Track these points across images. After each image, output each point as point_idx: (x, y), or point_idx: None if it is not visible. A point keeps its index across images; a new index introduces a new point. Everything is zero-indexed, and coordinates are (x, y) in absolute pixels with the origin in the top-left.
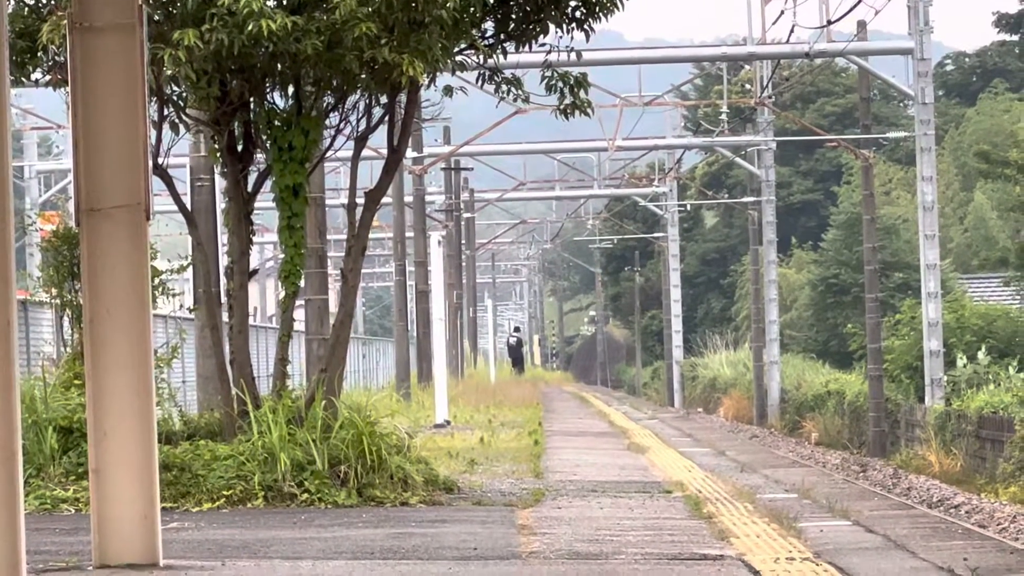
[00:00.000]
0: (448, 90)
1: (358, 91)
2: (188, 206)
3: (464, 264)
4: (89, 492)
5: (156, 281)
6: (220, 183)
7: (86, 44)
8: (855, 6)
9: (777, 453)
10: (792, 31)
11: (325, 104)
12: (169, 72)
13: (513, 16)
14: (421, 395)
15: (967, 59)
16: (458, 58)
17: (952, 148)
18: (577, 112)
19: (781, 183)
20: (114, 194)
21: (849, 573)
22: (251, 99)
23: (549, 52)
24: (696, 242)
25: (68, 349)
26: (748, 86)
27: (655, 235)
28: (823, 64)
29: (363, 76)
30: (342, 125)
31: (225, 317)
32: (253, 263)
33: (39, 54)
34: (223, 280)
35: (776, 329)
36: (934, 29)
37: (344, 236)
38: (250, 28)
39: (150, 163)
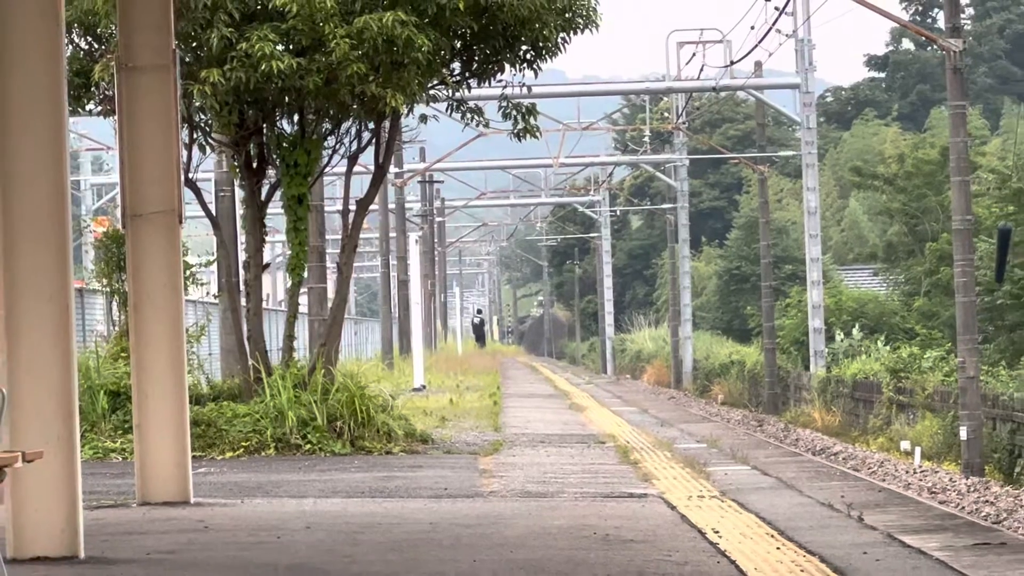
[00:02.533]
0: (423, 118)
1: (351, 118)
2: (213, 212)
3: (436, 259)
4: (133, 444)
5: (187, 273)
6: (239, 193)
7: (130, 81)
8: (752, 50)
9: (690, 411)
10: (702, 69)
11: (324, 129)
12: (197, 103)
13: (476, 58)
14: (402, 365)
15: (843, 92)
16: (431, 92)
17: (831, 164)
18: (528, 135)
19: (693, 193)
20: (153, 202)
21: (748, 507)
22: (264, 125)
23: (505, 87)
24: (624, 240)
25: (116, 328)
26: (667, 114)
27: (591, 235)
28: (727, 96)
29: (355, 106)
30: (337, 146)
31: (243, 302)
32: (266, 258)
33: (92, 89)
34: (242, 272)
35: (689, 311)
36: (816, 68)
37: (340, 236)
38: (263, 68)
39: (182, 177)
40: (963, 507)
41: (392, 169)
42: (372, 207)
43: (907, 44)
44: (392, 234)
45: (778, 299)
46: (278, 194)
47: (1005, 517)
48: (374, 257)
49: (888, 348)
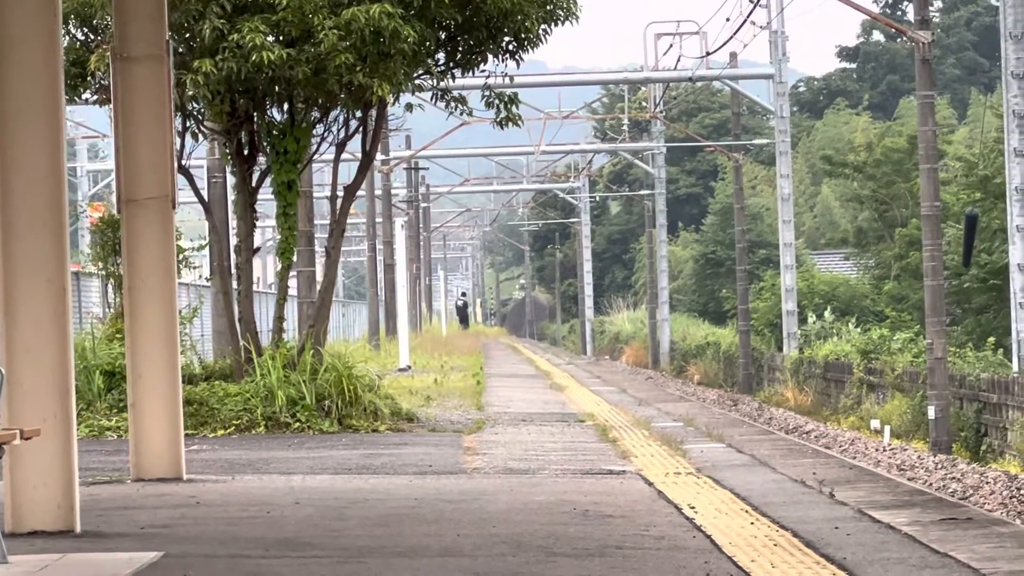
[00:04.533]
0: (409, 106)
1: (339, 107)
2: (205, 198)
3: (421, 243)
4: (128, 422)
5: (180, 257)
6: (231, 180)
7: (125, 71)
8: (727, 41)
9: (667, 391)
10: (679, 60)
11: (312, 117)
12: (190, 92)
13: (460, 49)
14: (388, 345)
15: (816, 82)
16: (417, 81)
17: (804, 152)
18: (510, 123)
19: (670, 179)
20: (147, 188)
21: (723, 484)
22: (254, 114)
23: (488, 77)
24: (604, 225)
25: (111, 310)
26: (644, 103)
27: (571, 220)
28: (703, 86)
29: (342, 96)
30: (326, 134)
31: (235, 284)
32: (256, 242)
33: (88, 78)
34: (233, 255)
35: (666, 294)
36: (790, 59)
37: (328, 221)
38: (254, 58)
39: (175, 164)
40: (931, 484)
41: (378, 156)
42: (359, 193)
43: (877, 36)
44: (378, 219)
45: (752, 282)
46: (268, 180)
47: (971, 493)
48: (361, 241)
49: (859, 330)
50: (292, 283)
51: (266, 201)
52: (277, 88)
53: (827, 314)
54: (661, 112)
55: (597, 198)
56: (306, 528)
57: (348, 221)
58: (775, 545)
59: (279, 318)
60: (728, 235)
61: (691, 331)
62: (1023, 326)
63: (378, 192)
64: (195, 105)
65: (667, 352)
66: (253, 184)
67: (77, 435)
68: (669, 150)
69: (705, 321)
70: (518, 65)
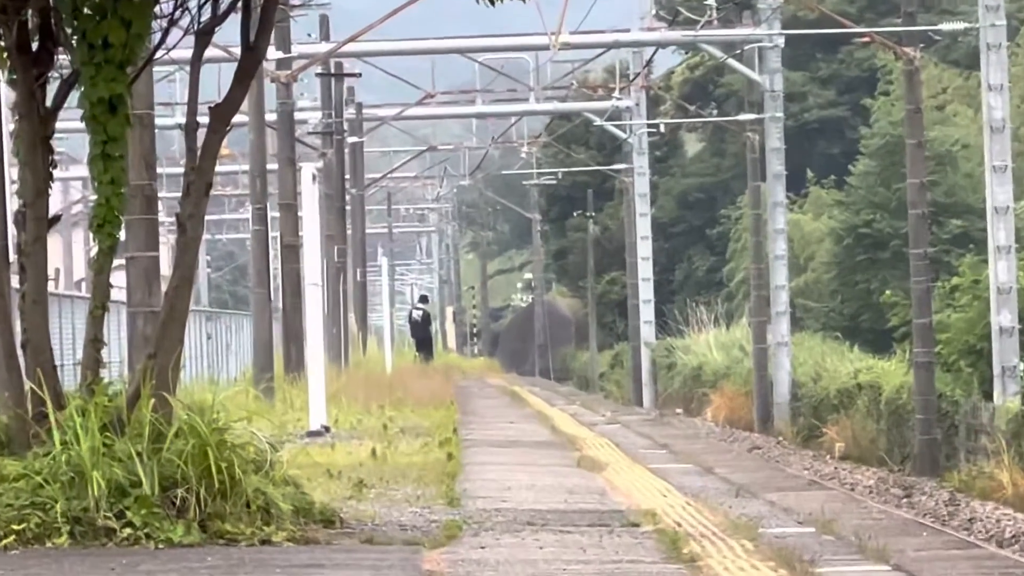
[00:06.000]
0: None
1: None
2: None
3: (349, 208)
4: None
5: None
6: (6, 95)
7: None
8: None
9: (787, 471)
10: None
11: None
12: None
13: None
14: (289, 391)
15: None
16: None
17: None
18: None
19: (792, 95)
20: None
21: None
22: None
23: None
24: (673, 177)
25: None
26: None
27: (615, 167)
28: None
29: None
30: (178, 14)
31: (15, 282)
32: (54, 207)
33: None
34: (11, 230)
35: (785, 298)
36: None
37: (181, 169)
38: None
39: None
40: None
41: (272, 54)
42: (238, 119)
43: None
44: (272, 165)
45: (938, 278)
46: (76, 97)
47: None
48: (241, 205)
49: None
50: (118, 279)
51: (72, 133)
52: None
53: None
54: None
55: (662, 128)
56: None
57: (219, 169)
58: None
59: (95, 341)
60: (896, 194)
61: (829, 364)
62: None
63: (272, 117)
64: None
65: (786, 402)
66: (48, 103)
67: None
68: (790, 42)
69: (854, 346)
70: None
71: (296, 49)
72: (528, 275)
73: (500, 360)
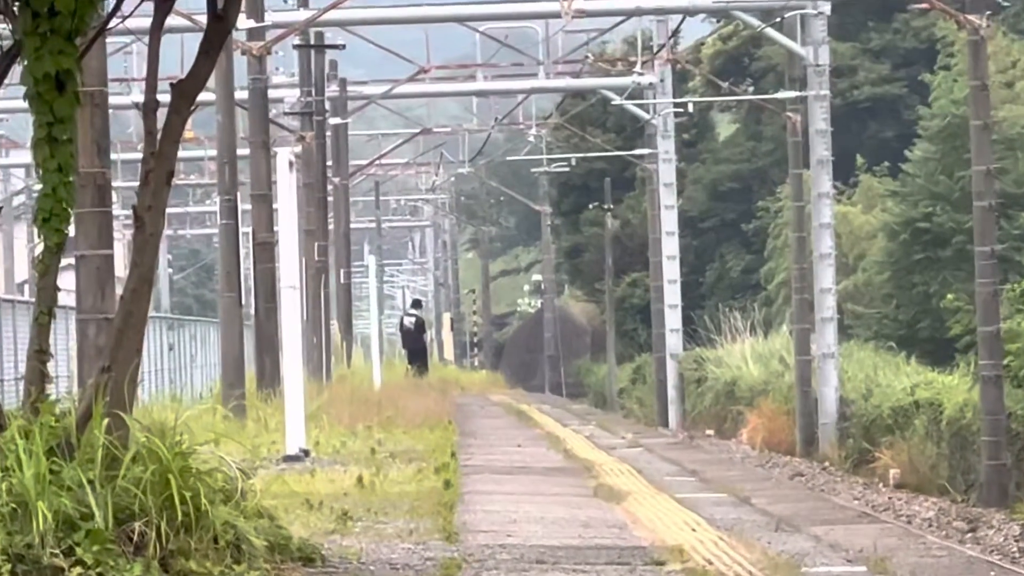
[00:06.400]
0: None
1: None
2: None
3: (332, 199)
4: None
5: None
6: None
7: None
8: None
9: (834, 501)
10: None
11: None
12: None
13: None
14: (264, 409)
15: None
16: None
17: None
18: None
19: (840, 69)
20: None
21: None
22: None
23: None
24: (704, 164)
25: None
26: None
27: (637, 152)
28: None
29: None
30: None
31: None
32: None
33: None
34: None
35: (832, 303)
36: None
37: (139, 155)
38: None
39: None
40: None
41: (244, 23)
42: (204, 95)
43: None
44: (244, 151)
45: (1007, 279)
46: (16, 73)
47: None
48: (208, 196)
49: None
50: (67, 281)
51: (13, 113)
52: None
53: None
54: None
55: (690, 107)
56: None
57: (182, 154)
58: None
59: (39, 352)
60: (959, 183)
61: (882, 379)
62: None
63: (243, 95)
64: None
65: (833, 422)
66: None
67: None
68: (837, 8)
69: (910, 358)
70: None
71: (270, 17)
72: (536, 277)
73: (504, 374)
